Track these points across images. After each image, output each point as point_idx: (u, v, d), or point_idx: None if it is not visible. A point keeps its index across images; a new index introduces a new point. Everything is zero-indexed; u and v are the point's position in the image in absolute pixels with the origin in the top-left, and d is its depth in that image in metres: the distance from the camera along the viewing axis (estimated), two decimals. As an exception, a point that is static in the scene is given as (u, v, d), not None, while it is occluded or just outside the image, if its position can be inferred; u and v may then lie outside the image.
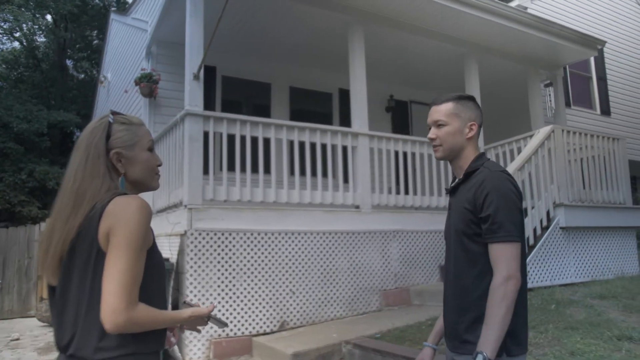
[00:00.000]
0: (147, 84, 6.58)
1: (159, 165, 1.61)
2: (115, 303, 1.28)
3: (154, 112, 6.94)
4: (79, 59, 23.69)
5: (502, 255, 1.68)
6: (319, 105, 8.81)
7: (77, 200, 1.40)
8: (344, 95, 8.62)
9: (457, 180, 1.92)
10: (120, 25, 9.99)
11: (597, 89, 11.25)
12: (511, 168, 5.63)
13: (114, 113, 1.55)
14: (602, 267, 6.24)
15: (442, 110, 1.90)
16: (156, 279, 1.45)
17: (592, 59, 10.87)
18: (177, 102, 7.00)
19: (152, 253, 1.43)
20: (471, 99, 1.95)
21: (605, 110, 11.33)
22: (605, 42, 8.56)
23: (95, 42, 23.85)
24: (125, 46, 9.16)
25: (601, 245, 6.34)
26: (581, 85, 11.03)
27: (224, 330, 4.87)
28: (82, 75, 24.14)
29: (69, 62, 23.53)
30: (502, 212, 1.69)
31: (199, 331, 1.65)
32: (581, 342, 3.76)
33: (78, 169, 1.44)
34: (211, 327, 4.76)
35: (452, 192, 1.95)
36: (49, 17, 22.01)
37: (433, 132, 1.92)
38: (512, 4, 8.66)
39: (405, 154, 6.70)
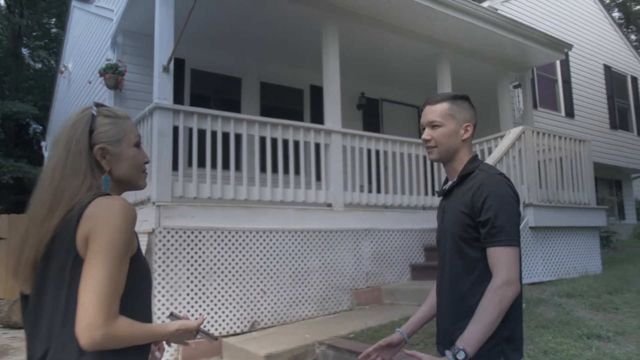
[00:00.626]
0: (113, 76, 6.32)
1: (146, 163, 1.48)
2: (92, 317, 1.15)
3: (120, 104, 6.67)
4: (35, 48, 22.76)
5: (502, 259, 1.64)
6: (290, 102, 8.70)
7: (54, 201, 1.26)
8: (316, 92, 8.54)
9: (451, 182, 1.87)
10: (82, 13, 9.60)
11: (562, 91, 11.54)
12: (483, 168, 5.67)
13: (97, 105, 1.41)
14: (568, 266, 6.38)
15: (437, 111, 1.84)
16: (140, 289, 1.33)
17: (557, 62, 11.13)
18: (144, 95, 6.78)
19: (136, 260, 1.30)
20: (466, 98, 1.90)
21: (570, 113, 11.64)
22: (572, 45, 8.77)
23: (54, 30, 22.97)
24: (88, 35, 8.81)
25: (567, 244, 6.47)
26: (547, 87, 11.29)
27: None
28: (39, 65, 23.23)
29: (24, 51, 22.59)
30: (502, 216, 1.66)
31: (186, 344, 1.53)
32: (553, 341, 3.80)
33: (57, 166, 1.30)
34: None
35: (445, 195, 1.90)
36: (2, 1, 21.05)
37: (428, 133, 1.85)
38: (484, 5, 8.75)
39: (377, 152, 6.67)
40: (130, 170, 1.42)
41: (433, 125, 1.84)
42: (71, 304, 1.20)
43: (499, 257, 1.64)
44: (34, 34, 22.74)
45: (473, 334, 1.57)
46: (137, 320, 1.25)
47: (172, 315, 1.46)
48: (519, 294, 1.67)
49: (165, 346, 1.54)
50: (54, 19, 22.83)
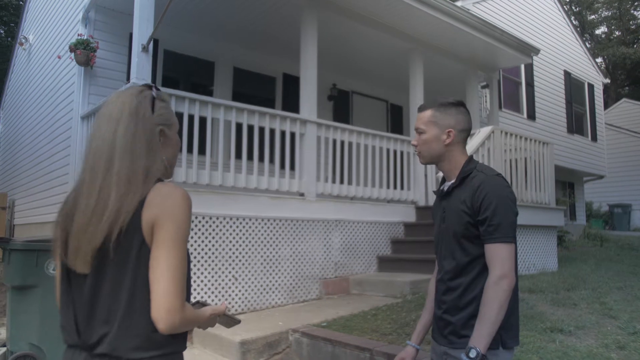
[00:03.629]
0: (84, 52, 6.09)
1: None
2: (170, 302, 1.19)
3: (90, 82, 6.45)
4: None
5: (497, 255, 1.75)
6: (262, 89, 8.63)
7: (132, 178, 1.25)
8: (288, 81, 8.54)
9: (450, 183, 1.96)
10: (48, -17, 9.19)
11: (525, 94, 11.93)
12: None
13: (154, 88, 1.40)
14: (528, 263, 6.66)
15: (422, 118, 1.95)
16: (189, 275, 1.35)
17: (522, 65, 11.48)
18: (115, 74, 6.62)
19: None
20: (455, 104, 1.97)
21: (531, 115, 12.06)
22: (539, 50, 9.07)
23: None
24: (54, 7, 8.44)
25: (528, 242, 6.75)
26: (511, 89, 11.65)
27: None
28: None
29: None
30: (499, 214, 1.75)
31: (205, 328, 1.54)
32: (519, 334, 3.97)
33: (130, 143, 1.28)
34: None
35: (444, 195, 1.98)
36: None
37: (415, 139, 1.98)
38: (457, 4, 8.93)
39: (350, 144, 6.73)
40: (173, 155, 1.44)
41: (418, 132, 1.96)
42: (137, 291, 1.22)
43: (494, 253, 1.75)
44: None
45: (481, 332, 1.68)
46: None
47: (198, 303, 1.46)
48: (515, 286, 1.78)
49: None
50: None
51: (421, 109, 1.96)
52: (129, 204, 1.22)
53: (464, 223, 1.82)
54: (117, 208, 1.21)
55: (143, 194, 1.24)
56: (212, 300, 5.04)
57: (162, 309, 1.19)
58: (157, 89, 1.42)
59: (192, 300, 1.46)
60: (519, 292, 5.39)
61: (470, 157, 1.96)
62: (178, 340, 1.29)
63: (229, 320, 1.52)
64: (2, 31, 22.13)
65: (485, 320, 1.69)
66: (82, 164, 1.33)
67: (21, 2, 19.77)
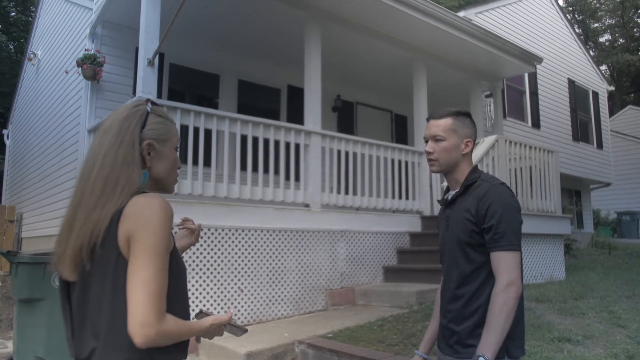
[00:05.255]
0: (91, 66, 6.17)
1: (179, 168, 1.50)
2: (144, 315, 1.17)
3: (97, 96, 6.53)
4: (-10, 32, 21.79)
5: (503, 263, 1.75)
6: (267, 101, 8.69)
7: (106, 188, 1.26)
8: (293, 92, 8.59)
9: (454, 192, 1.97)
10: (56, 0, 9.32)
11: (529, 102, 11.94)
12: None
13: (151, 103, 1.43)
14: (535, 272, 6.62)
15: (440, 125, 1.93)
16: (178, 286, 1.34)
17: (526, 74, 11.50)
18: (121, 88, 6.69)
19: (173, 258, 1.31)
20: (468, 115, 2.01)
21: (536, 124, 12.05)
22: (542, 59, 9.09)
23: (13, 13, 22.11)
24: (62, 23, 8.55)
25: (535, 251, 6.72)
26: (516, 98, 11.66)
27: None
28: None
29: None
30: (504, 222, 1.76)
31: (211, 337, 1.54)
32: (527, 344, 3.93)
33: (107, 154, 1.30)
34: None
35: (448, 203, 1.99)
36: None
37: (430, 146, 1.95)
38: (459, 15, 8.97)
39: (355, 155, 6.75)
40: (169, 171, 1.44)
41: (436, 139, 1.93)
42: (117, 303, 1.21)
43: (500, 260, 1.75)
44: (-11, 17, 21.77)
45: (489, 339, 1.67)
46: (177, 316, 1.27)
47: (201, 313, 1.47)
48: (521, 294, 1.77)
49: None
50: (12, 1, 21.89)
51: (437, 116, 1.96)
52: (102, 215, 1.23)
53: (468, 231, 1.82)
54: (90, 219, 1.24)
55: (117, 206, 1.24)
56: (219, 312, 5.04)
57: (136, 322, 1.17)
58: (155, 104, 1.44)
59: (196, 310, 1.47)
60: (525, 301, 5.36)
61: (475, 167, 1.97)
62: (171, 351, 1.27)
63: (236, 329, 1.51)
64: (11, 47, 22.40)
65: (493, 328, 1.68)
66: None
67: (30, 19, 20.06)
